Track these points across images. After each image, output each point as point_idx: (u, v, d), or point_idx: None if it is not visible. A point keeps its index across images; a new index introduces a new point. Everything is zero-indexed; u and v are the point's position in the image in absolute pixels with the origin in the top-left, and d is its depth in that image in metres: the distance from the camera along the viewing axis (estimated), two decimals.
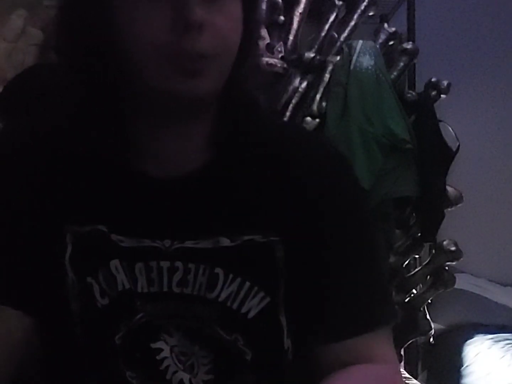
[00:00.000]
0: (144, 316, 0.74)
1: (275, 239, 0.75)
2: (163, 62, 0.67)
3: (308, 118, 1.92)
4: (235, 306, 0.74)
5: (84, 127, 0.73)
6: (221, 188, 0.75)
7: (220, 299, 0.74)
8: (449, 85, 2.04)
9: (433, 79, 2.05)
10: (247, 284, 0.74)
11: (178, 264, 0.74)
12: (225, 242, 0.74)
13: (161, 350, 0.73)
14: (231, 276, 0.74)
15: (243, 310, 0.74)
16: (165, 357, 0.73)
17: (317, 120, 1.92)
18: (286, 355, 0.75)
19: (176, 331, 0.74)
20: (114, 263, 0.74)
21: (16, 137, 0.80)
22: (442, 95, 2.04)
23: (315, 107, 1.93)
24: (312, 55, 1.94)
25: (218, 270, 0.74)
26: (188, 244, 0.74)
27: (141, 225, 0.74)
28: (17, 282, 0.74)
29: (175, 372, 0.74)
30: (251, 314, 0.74)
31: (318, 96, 1.94)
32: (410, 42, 2.17)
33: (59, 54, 0.75)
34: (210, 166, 0.75)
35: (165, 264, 0.74)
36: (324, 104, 1.94)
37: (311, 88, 1.95)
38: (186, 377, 0.74)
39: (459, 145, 2.02)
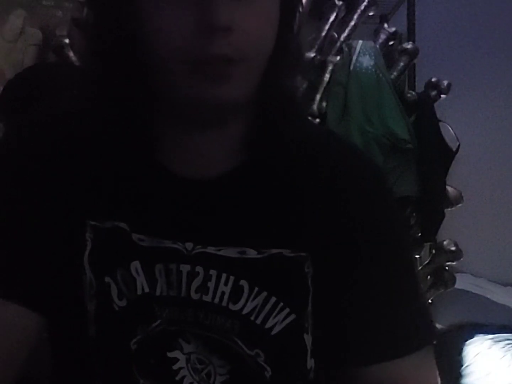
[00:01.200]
0: (162, 323, 0.71)
1: (304, 254, 0.71)
2: (188, 67, 0.63)
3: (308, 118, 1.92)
4: (258, 320, 0.70)
5: (110, 124, 0.71)
6: (252, 194, 0.72)
7: (244, 312, 0.70)
8: (449, 85, 2.04)
9: (433, 79, 2.05)
10: (273, 299, 0.71)
11: (199, 269, 0.71)
12: (252, 253, 0.70)
13: (177, 360, 0.71)
14: (256, 289, 0.70)
15: (267, 325, 0.71)
16: (181, 368, 0.71)
17: (317, 120, 1.92)
18: (308, 375, 0.72)
19: (195, 339, 0.71)
20: (135, 265, 0.71)
21: (40, 131, 0.76)
22: (442, 95, 2.04)
23: (315, 107, 1.93)
24: (312, 55, 1.94)
25: (243, 282, 0.70)
26: (211, 249, 0.71)
27: (163, 225, 0.71)
28: (29, 279, 0.71)
29: (191, 383, 0.71)
30: (275, 331, 0.71)
31: (318, 96, 1.94)
32: (410, 42, 2.17)
33: (85, 53, 0.72)
34: (242, 170, 0.72)
35: (185, 268, 0.71)
36: (324, 104, 1.94)
37: (311, 88, 1.95)
38: None
39: (459, 145, 2.02)
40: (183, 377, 0.71)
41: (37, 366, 0.77)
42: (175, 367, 0.71)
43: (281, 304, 0.71)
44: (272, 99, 0.70)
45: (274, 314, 0.71)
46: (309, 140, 0.75)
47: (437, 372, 0.76)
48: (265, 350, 0.71)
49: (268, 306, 0.71)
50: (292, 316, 0.71)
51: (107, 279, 0.71)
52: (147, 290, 0.71)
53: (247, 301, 0.70)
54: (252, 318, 0.70)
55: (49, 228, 0.72)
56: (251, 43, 0.64)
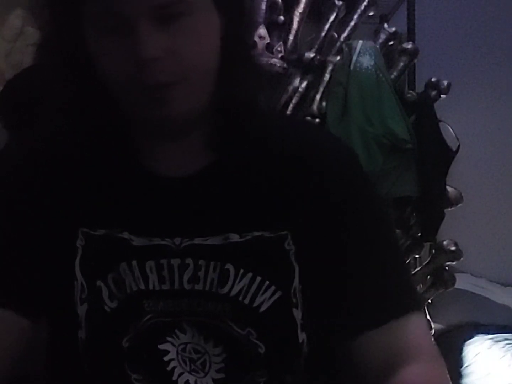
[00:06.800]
0: (153, 317, 0.73)
1: (284, 233, 0.75)
2: (131, 93, 0.69)
3: (308, 118, 1.92)
4: (246, 300, 0.74)
5: (92, 138, 0.76)
6: (228, 186, 0.77)
7: (231, 294, 0.74)
8: (449, 85, 2.04)
9: (433, 79, 2.05)
10: (258, 278, 0.74)
11: (189, 261, 0.74)
12: (234, 237, 0.75)
13: (168, 352, 0.73)
14: (241, 271, 0.74)
15: (255, 304, 0.74)
16: (172, 359, 0.73)
17: (317, 120, 1.92)
18: (300, 348, 0.75)
19: (190, 328, 0.73)
20: (123, 266, 0.74)
21: (29, 145, 0.81)
22: (442, 95, 2.04)
23: (315, 107, 1.93)
24: (312, 55, 1.93)
25: (228, 266, 0.74)
26: (198, 241, 0.74)
27: (151, 224, 0.75)
28: (21, 286, 0.74)
29: (181, 373, 0.73)
30: (263, 308, 0.74)
31: (318, 96, 1.94)
32: (410, 42, 2.17)
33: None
34: (216, 165, 0.77)
35: (175, 262, 0.74)
36: (324, 104, 1.94)
37: (311, 88, 1.94)
38: (192, 378, 0.73)
39: (459, 145, 2.02)
40: (174, 367, 0.73)
41: (33, 366, 0.77)
42: (166, 358, 0.73)
43: (267, 282, 0.74)
44: (228, 105, 0.75)
45: (260, 292, 0.74)
46: (275, 130, 0.80)
47: (431, 338, 0.79)
48: (255, 327, 0.73)
49: (254, 286, 0.74)
50: (279, 293, 0.74)
51: (98, 283, 0.74)
52: (135, 288, 0.73)
53: (233, 283, 0.74)
54: (240, 298, 0.74)
55: (41, 237, 0.75)
56: (184, 65, 0.68)
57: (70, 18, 0.70)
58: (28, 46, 2.05)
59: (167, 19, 0.67)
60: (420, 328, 0.77)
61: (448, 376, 0.75)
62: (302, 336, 0.75)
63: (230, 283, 0.74)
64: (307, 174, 0.77)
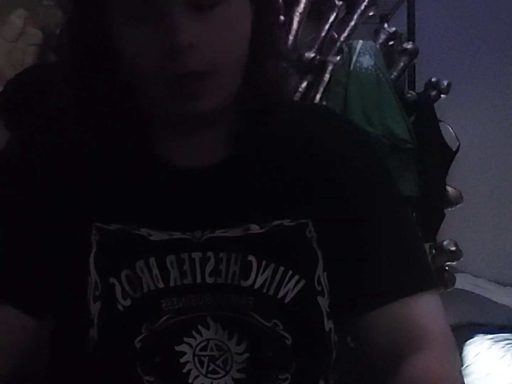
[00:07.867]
0: (170, 318, 0.72)
1: (304, 221, 0.75)
2: (159, 86, 0.67)
3: None
4: (271, 292, 0.73)
5: (106, 127, 0.74)
6: (248, 176, 0.76)
7: (255, 287, 0.73)
8: (449, 85, 2.04)
9: (433, 79, 2.05)
10: (281, 269, 0.73)
11: (210, 254, 0.73)
12: (255, 228, 0.74)
13: (184, 353, 0.71)
14: (264, 263, 0.73)
15: (280, 295, 0.73)
16: (188, 361, 0.71)
17: None
18: (328, 337, 0.74)
19: (214, 323, 0.72)
20: (140, 264, 0.72)
21: (43, 137, 0.79)
22: (442, 95, 2.04)
23: None
24: (312, 55, 1.94)
25: (251, 257, 0.73)
26: (218, 233, 0.74)
27: (170, 218, 0.74)
28: (27, 282, 0.73)
29: (197, 376, 0.71)
30: (288, 298, 0.73)
31: (318, 96, 1.94)
32: (410, 42, 2.17)
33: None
34: (235, 156, 0.76)
35: (197, 255, 0.73)
36: (324, 104, 1.94)
37: (311, 88, 1.95)
38: (207, 381, 0.71)
39: (459, 145, 2.03)
40: (189, 370, 0.71)
41: (34, 364, 0.77)
42: (182, 360, 0.71)
43: (290, 272, 0.73)
44: (254, 97, 0.74)
45: (284, 283, 0.73)
46: (294, 118, 0.80)
47: (445, 318, 0.77)
48: (281, 319, 0.72)
49: (278, 277, 0.73)
50: (303, 282, 0.74)
51: (111, 280, 0.72)
52: (153, 287, 0.72)
53: (257, 275, 0.73)
54: (264, 290, 0.73)
55: (53, 232, 0.74)
56: (218, 55, 0.67)
57: (96, 7, 0.68)
58: (29, 46, 2.05)
59: (202, 7, 0.65)
60: (432, 308, 0.76)
61: (456, 361, 0.75)
62: (329, 325, 0.74)
63: (253, 275, 0.73)
64: (323, 160, 0.78)
